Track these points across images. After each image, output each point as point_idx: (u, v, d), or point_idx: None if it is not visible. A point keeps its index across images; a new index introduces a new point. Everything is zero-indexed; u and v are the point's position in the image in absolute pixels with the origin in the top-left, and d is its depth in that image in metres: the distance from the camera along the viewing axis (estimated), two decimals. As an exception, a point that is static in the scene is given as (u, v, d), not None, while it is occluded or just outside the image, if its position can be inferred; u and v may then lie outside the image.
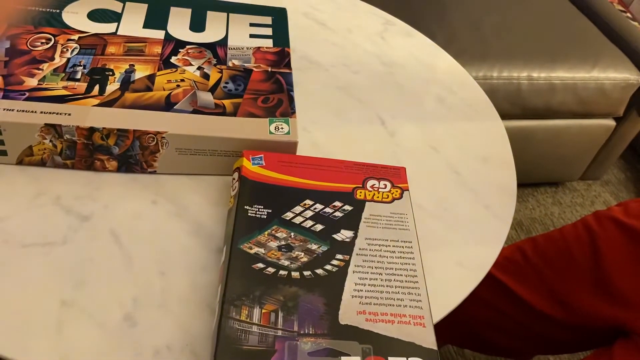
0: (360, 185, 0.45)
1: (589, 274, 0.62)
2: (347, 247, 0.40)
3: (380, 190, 0.45)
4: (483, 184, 0.53)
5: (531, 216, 1.31)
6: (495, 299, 0.68)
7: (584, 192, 1.40)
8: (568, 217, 1.33)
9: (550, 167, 1.28)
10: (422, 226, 0.47)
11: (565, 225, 0.68)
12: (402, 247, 0.41)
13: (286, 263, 0.39)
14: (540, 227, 1.29)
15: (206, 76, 0.51)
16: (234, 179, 0.45)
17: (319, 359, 0.33)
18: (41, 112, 0.44)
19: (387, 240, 0.41)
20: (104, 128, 0.44)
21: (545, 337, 0.68)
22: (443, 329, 0.74)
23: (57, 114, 0.44)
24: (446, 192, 0.51)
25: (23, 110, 0.44)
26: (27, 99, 0.45)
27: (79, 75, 0.48)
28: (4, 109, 0.44)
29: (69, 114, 0.44)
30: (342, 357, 0.33)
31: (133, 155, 0.46)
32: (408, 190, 0.46)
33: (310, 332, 0.35)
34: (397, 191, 0.45)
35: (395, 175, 0.47)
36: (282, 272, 0.38)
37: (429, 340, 0.35)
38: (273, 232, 0.40)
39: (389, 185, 0.46)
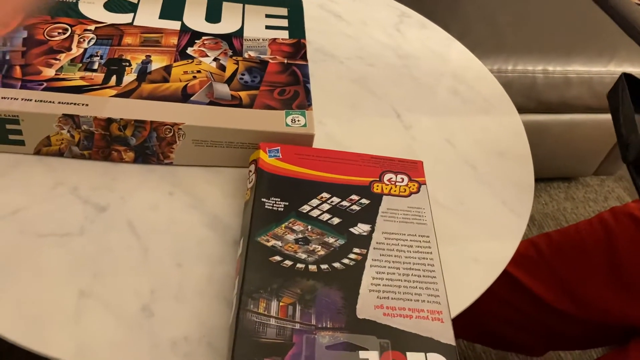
0: (377, 179, 0.45)
1: (605, 270, 0.62)
2: (365, 241, 0.40)
3: (397, 184, 0.45)
4: (500, 178, 0.52)
5: (544, 211, 1.30)
6: (508, 294, 0.68)
7: (597, 188, 1.39)
8: (581, 212, 1.31)
9: (564, 162, 1.26)
10: (439, 221, 0.47)
11: (580, 221, 0.67)
12: (420, 241, 0.41)
13: (303, 256, 0.38)
14: (553, 222, 1.28)
15: (222, 67, 0.51)
16: (250, 171, 0.45)
17: (337, 353, 0.33)
18: (59, 103, 0.44)
19: (404, 234, 0.41)
20: (121, 119, 0.44)
21: (558, 332, 0.68)
22: (454, 323, 0.73)
23: (75, 104, 0.44)
24: (462, 187, 0.51)
25: (41, 101, 0.44)
26: (45, 89, 0.45)
27: (96, 66, 0.48)
28: (22, 99, 0.44)
29: (87, 105, 0.44)
30: (359, 352, 0.33)
31: (150, 146, 0.46)
32: (425, 184, 0.45)
33: (328, 326, 0.34)
34: (414, 185, 0.45)
35: (413, 169, 0.46)
36: (299, 265, 0.38)
37: (447, 336, 0.35)
38: (290, 224, 0.40)
39: (406, 179, 0.45)
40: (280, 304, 0.35)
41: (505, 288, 0.67)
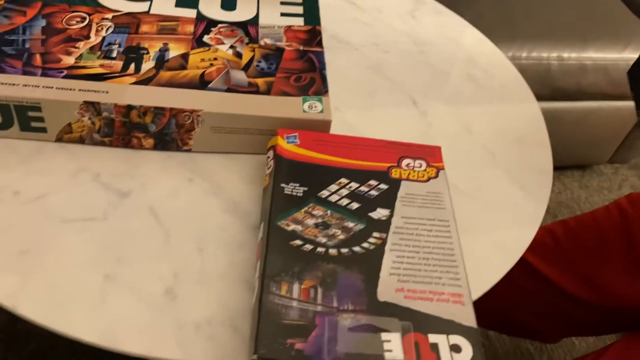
0: (396, 164, 0.45)
1: (622, 256, 0.61)
2: (384, 226, 0.40)
3: (415, 169, 0.45)
4: (518, 165, 0.52)
5: (557, 200, 1.29)
6: (524, 281, 0.68)
7: (612, 176, 1.38)
8: (595, 201, 1.31)
9: (578, 150, 1.25)
10: (457, 206, 0.47)
11: (597, 208, 0.67)
12: (439, 226, 0.41)
13: (323, 240, 0.39)
14: (567, 210, 1.27)
15: (239, 55, 0.51)
16: (268, 157, 0.45)
17: (359, 335, 0.33)
18: (80, 90, 0.44)
19: (423, 219, 0.41)
20: (141, 106, 0.44)
21: (573, 318, 0.68)
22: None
23: (96, 91, 0.45)
24: (480, 173, 0.50)
25: (62, 88, 0.44)
26: (65, 77, 0.45)
27: (114, 54, 0.48)
28: (44, 87, 0.44)
29: (107, 92, 0.45)
30: (382, 333, 0.34)
31: (169, 133, 0.46)
32: (444, 169, 0.45)
33: (350, 308, 0.35)
34: (432, 170, 0.45)
35: (431, 155, 0.46)
36: (319, 249, 0.38)
37: (468, 318, 0.35)
38: (309, 209, 0.41)
39: (424, 164, 0.45)
40: (302, 286, 0.36)
41: (521, 275, 0.67)
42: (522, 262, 0.69)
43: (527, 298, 0.69)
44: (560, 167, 1.36)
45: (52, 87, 0.44)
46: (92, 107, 0.44)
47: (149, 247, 0.40)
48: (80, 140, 0.46)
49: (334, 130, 0.52)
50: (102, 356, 0.89)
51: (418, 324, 0.34)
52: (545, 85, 1.08)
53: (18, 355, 0.89)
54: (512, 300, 0.70)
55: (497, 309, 0.74)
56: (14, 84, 0.44)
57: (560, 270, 0.65)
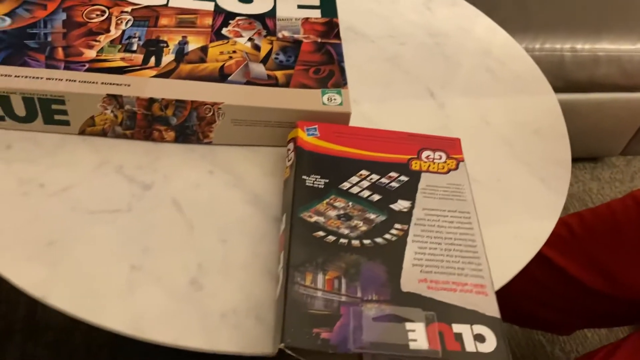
0: (415, 156, 0.45)
1: (638, 247, 0.61)
2: (405, 217, 0.41)
3: (435, 161, 0.45)
4: (537, 157, 0.52)
5: (569, 192, 1.29)
6: (539, 273, 0.68)
7: (624, 168, 1.37)
8: (607, 193, 1.30)
9: (590, 142, 1.25)
10: (476, 198, 0.47)
11: (612, 200, 0.67)
12: (460, 217, 0.41)
13: (346, 232, 0.39)
14: (579, 203, 1.27)
15: (257, 47, 0.51)
16: (289, 149, 0.46)
17: (384, 324, 0.34)
18: (102, 83, 0.45)
19: (444, 210, 0.41)
20: (163, 99, 0.45)
21: (589, 310, 0.68)
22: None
23: (118, 84, 0.45)
24: (499, 165, 0.51)
25: (85, 81, 0.45)
26: (87, 70, 0.46)
27: (134, 47, 0.49)
28: (67, 80, 0.45)
29: (129, 85, 0.45)
30: (406, 323, 0.34)
31: (190, 125, 0.47)
32: (464, 161, 0.45)
33: (374, 299, 0.35)
34: (452, 162, 0.45)
35: (450, 146, 0.46)
36: (342, 241, 0.38)
37: (492, 309, 0.35)
38: (331, 201, 0.41)
39: (444, 156, 0.46)
40: (326, 277, 0.36)
41: (537, 267, 0.67)
42: (538, 255, 0.68)
43: (542, 290, 0.69)
44: (572, 158, 1.36)
45: (75, 81, 0.45)
46: (115, 100, 0.44)
47: (173, 238, 0.41)
48: (103, 133, 0.47)
49: (353, 122, 0.52)
50: (118, 348, 0.91)
51: (442, 314, 0.35)
52: (559, 77, 1.07)
53: (36, 345, 0.90)
54: (526, 292, 0.71)
55: (511, 301, 0.74)
56: (38, 77, 0.44)
57: (577, 262, 0.65)
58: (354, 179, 0.43)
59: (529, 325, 0.79)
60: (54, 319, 0.93)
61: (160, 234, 0.41)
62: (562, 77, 1.08)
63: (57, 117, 0.45)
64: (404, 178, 0.43)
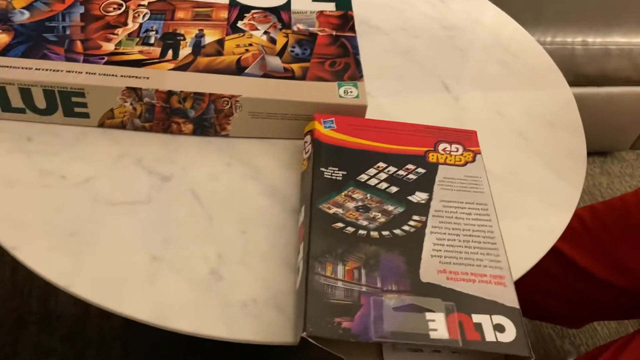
0: (432, 149, 0.45)
1: (652, 241, 0.61)
2: (423, 209, 0.41)
3: (452, 153, 0.45)
4: (552, 149, 0.52)
5: (578, 186, 1.28)
6: (551, 265, 0.68)
7: (634, 162, 1.36)
8: (617, 187, 1.30)
9: (601, 136, 1.24)
10: (492, 190, 0.47)
11: (625, 193, 0.67)
12: (478, 209, 0.41)
13: (365, 223, 0.39)
14: (588, 197, 1.26)
15: (273, 40, 0.52)
16: (306, 142, 0.46)
17: (404, 314, 0.34)
18: (121, 76, 0.45)
19: (462, 202, 0.41)
20: (181, 92, 0.45)
21: (601, 303, 0.68)
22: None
23: (137, 77, 0.45)
24: (515, 157, 0.51)
25: (104, 74, 0.45)
26: (106, 63, 0.46)
27: (152, 40, 0.49)
28: (86, 73, 0.45)
29: (148, 78, 0.45)
30: (426, 313, 0.34)
31: (208, 118, 0.47)
32: (480, 153, 0.46)
33: (394, 289, 0.36)
34: (469, 154, 0.45)
35: (467, 139, 0.47)
36: (361, 232, 0.39)
37: (511, 299, 0.36)
38: (349, 193, 0.41)
39: (460, 148, 0.46)
40: (346, 267, 0.36)
41: (548, 259, 0.67)
42: (551, 248, 0.69)
43: (553, 282, 0.69)
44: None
45: (95, 73, 0.45)
46: (134, 92, 0.45)
47: (193, 229, 0.41)
48: (122, 126, 0.47)
49: (368, 115, 0.52)
50: (131, 340, 0.92)
51: (461, 305, 0.35)
52: (569, 71, 1.07)
53: (50, 337, 0.91)
54: (539, 285, 0.71)
55: (524, 293, 0.74)
56: (58, 70, 0.45)
57: (589, 255, 0.65)
58: (372, 171, 0.43)
59: (540, 317, 0.79)
60: (67, 312, 0.94)
61: (180, 225, 0.41)
62: (573, 71, 1.07)
63: (77, 109, 0.46)
64: (421, 170, 0.44)
